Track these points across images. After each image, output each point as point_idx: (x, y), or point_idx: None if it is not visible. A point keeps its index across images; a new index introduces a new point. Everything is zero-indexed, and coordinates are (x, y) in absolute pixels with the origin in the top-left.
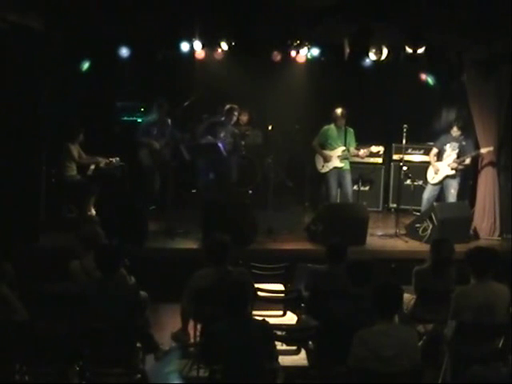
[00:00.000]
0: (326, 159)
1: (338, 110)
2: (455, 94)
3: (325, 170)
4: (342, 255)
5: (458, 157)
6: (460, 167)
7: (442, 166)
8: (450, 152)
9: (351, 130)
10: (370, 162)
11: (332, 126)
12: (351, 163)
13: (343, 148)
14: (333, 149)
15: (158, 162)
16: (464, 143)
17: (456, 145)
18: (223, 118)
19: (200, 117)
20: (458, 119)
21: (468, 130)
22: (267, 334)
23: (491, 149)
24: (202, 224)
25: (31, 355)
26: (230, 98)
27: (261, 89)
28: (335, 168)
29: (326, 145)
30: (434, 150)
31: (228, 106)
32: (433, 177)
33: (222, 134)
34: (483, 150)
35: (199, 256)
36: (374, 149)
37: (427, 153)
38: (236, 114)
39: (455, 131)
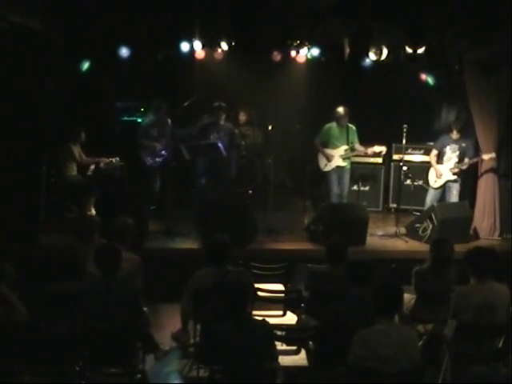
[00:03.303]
0: (329, 158)
1: (341, 109)
2: (455, 94)
3: (327, 168)
4: (342, 255)
5: (459, 159)
6: (462, 167)
7: (444, 170)
8: (451, 154)
9: (353, 128)
10: (370, 161)
11: (333, 124)
12: (351, 163)
13: (346, 147)
14: (335, 147)
15: (158, 163)
16: (464, 145)
17: (456, 147)
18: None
19: (200, 117)
20: (457, 122)
21: (467, 132)
22: (267, 334)
23: (493, 155)
24: (200, 224)
25: (31, 355)
26: (230, 98)
27: (261, 89)
28: (338, 167)
29: (328, 143)
30: (434, 152)
31: (215, 105)
32: (435, 180)
33: (214, 135)
34: (485, 157)
35: (199, 256)
36: (377, 148)
37: (427, 153)
38: (222, 112)
39: (455, 134)
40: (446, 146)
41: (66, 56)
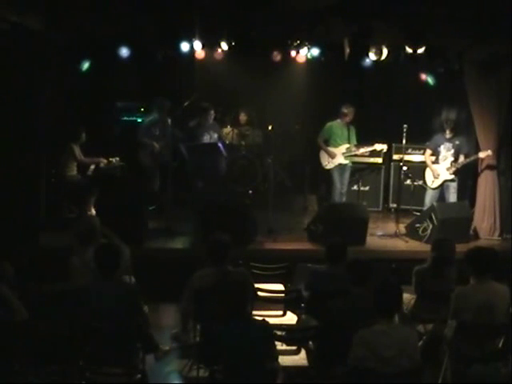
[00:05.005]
0: (331, 156)
1: (348, 107)
2: (455, 94)
3: (330, 166)
4: (342, 255)
5: (455, 158)
6: (459, 166)
7: (440, 170)
8: (445, 153)
9: (353, 129)
10: (370, 162)
11: (336, 122)
12: (352, 162)
13: (347, 145)
14: (337, 145)
15: (158, 163)
16: (458, 142)
17: (450, 145)
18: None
19: (188, 120)
20: (448, 121)
21: (460, 129)
22: (267, 334)
23: (489, 153)
24: (200, 224)
25: (31, 355)
26: (230, 98)
27: (261, 89)
28: (340, 164)
29: (329, 141)
30: (428, 151)
31: (201, 106)
32: (432, 181)
33: (206, 137)
34: (482, 155)
35: (199, 256)
36: (378, 146)
37: None
38: (211, 113)
39: (448, 133)
40: (439, 146)
41: (66, 56)
